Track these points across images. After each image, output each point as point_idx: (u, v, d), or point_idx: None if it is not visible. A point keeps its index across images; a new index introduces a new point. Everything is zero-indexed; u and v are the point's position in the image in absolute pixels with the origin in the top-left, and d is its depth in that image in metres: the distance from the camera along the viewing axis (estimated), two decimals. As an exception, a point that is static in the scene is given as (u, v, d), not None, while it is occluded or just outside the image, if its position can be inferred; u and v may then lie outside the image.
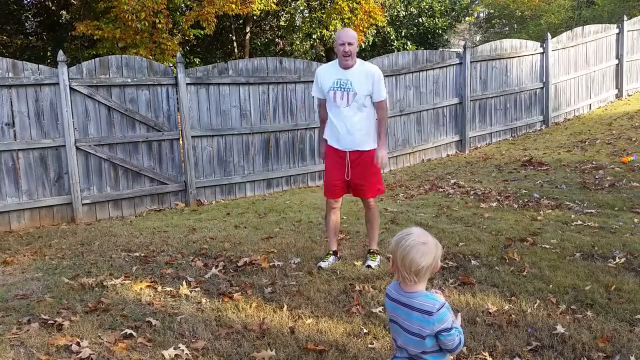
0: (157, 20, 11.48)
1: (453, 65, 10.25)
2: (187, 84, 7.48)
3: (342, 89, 4.03)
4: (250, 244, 5.01)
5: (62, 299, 3.69)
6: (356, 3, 15.30)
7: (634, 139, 9.34)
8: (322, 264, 4.27)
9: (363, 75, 4.01)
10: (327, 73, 4.14)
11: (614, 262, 4.04)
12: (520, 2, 22.38)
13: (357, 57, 4.14)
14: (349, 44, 3.93)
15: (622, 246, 4.38)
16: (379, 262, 4.26)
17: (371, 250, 4.37)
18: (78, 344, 2.97)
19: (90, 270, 4.34)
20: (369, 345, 2.96)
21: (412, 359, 2.08)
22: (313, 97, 4.48)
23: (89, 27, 11.53)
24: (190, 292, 3.79)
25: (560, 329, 3.02)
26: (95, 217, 6.95)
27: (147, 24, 11.24)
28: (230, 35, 18.29)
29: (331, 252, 4.39)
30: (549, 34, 11.92)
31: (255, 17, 17.47)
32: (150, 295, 3.74)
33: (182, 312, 3.44)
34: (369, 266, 4.18)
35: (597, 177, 7.22)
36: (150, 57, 11.41)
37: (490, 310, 3.32)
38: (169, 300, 3.66)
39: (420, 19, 19.92)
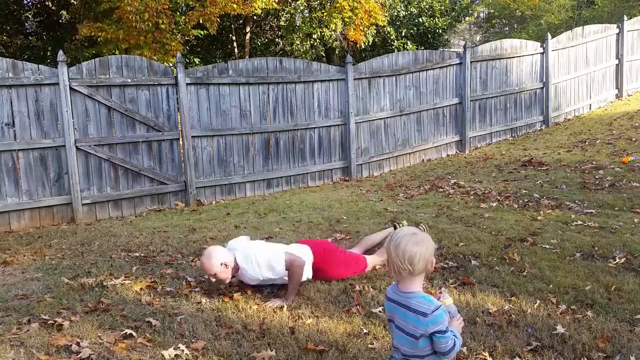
0: (161, 21, 11.48)
1: (453, 65, 10.25)
2: (187, 84, 7.48)
3: None
4: (250, 244, 5.01)
5: (62, 299, 3.69)
6: (357, 2, 15.30)
7: (634, 139, 9.34)
8: None
9: None
10: None
11: (614, 262, 4.04)
12: (520, 2, 22.36)
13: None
14: (213, 274, 3.59)
15: (622, 246, 4.38)
16: None
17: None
18: (78, 344, 2.97)
19: (90, 270, 4.34)
20: (369, 345, 2.96)
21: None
22: None
23: (92, 29, 11.51)
24: (190, 292, 3.79)
25: (560, 329, 3.02)
26: (95, 217, 6.95)
27: (150, 25, 11.23)
28: (231, 35, 18.29)
29: None
30: (549, 34, 11.91)
31: (255, 17, 17.48)
32: (150, 295, 3.74)
33: (182, 312, 3.44)
34: None
35: (597, 177, 7.22)
36: (155, 57, 11.41)
37: (490, 310, 3.32)
38: (169, 300, 3.66)
39: (420, 19, 19.91)
